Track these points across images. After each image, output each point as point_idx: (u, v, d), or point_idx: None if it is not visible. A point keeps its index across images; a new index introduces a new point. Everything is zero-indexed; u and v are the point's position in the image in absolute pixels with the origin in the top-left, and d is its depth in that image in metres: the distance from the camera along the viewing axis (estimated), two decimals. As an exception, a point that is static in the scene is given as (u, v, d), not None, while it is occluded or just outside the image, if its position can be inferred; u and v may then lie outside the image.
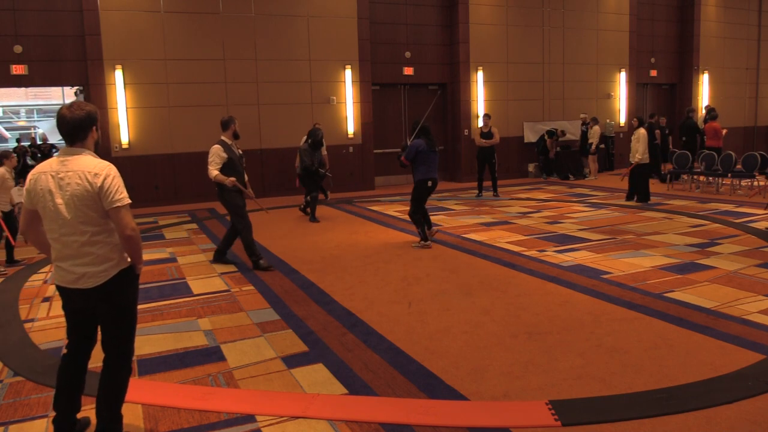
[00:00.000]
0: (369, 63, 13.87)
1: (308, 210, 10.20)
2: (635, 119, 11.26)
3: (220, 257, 7.09)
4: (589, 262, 6.64)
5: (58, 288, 3.00)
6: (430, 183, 7.60)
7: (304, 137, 10.35)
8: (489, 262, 6.84)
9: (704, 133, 13.76)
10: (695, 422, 3.18)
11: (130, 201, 2.91)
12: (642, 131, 10.86)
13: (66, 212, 2.85)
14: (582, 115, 15.52)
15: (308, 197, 10.00)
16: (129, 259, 3.00)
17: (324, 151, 10.57)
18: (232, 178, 6.43)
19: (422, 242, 7.67)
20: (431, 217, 9.89)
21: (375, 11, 14.10)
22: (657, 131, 13.88)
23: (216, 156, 6.41)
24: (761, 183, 11.92)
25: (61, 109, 2.95)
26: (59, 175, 2.86)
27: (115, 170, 2.90)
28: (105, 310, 2.98)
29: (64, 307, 3.07)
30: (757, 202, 10.59)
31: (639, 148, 10.77)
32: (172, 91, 12.27)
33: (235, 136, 6.66)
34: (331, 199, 12.60)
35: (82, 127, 2.91)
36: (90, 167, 2.85)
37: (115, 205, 2.83)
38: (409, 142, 7.78)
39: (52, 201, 2.86)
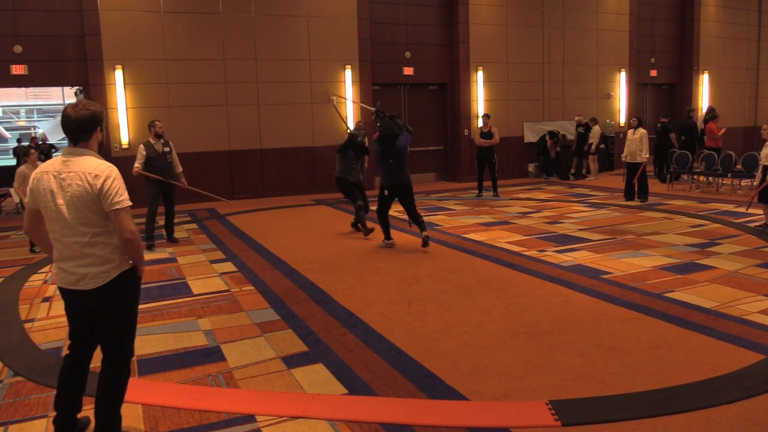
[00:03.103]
0: (369, 63, 13.87)
1: (360, 225, 8.65)
2: (634, 119, 11.26)
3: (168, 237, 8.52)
4: (589, 262, 6.64)
5: (61, 290, 2.97)
6: (386, 192, 7.51)
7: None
8: (489, 262, 6.84)
9: (704, 132, 13.82)
10: (695, 422, 3.18)
11: (130, 203, 2.87)
12: (643, 130, 10.88)
13: (67, 213, 2.82)
14: (577, 117, 15.49)
15: (357, 206, 8.55)
16: (131, 261, 2.98)
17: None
18: (136, 170, 7.91)
19: (385, 241, 7.76)
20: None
21: (375, 11, 14.10)
22: (672, 134, 13.82)
23: (138, 153, 7.97)
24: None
25: (66, 107, 2.91)
26: (61, 176, 2.83)
27: (116, 172, 2.87)
28: (106, 312, 2.95)
29: (66, 309, 3.04)
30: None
31: (644, 147, 10.78)
32: (172, 91, 12.27)
33: (158, 136, 8.02)
34: (331, 200, 12.61)
35: (86, 128, 2.88)
36: (91, 168, 2.82)
37: (114, 208, 2.80)
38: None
39: (53, 201, 2.84)
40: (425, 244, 7.42)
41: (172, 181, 8.11)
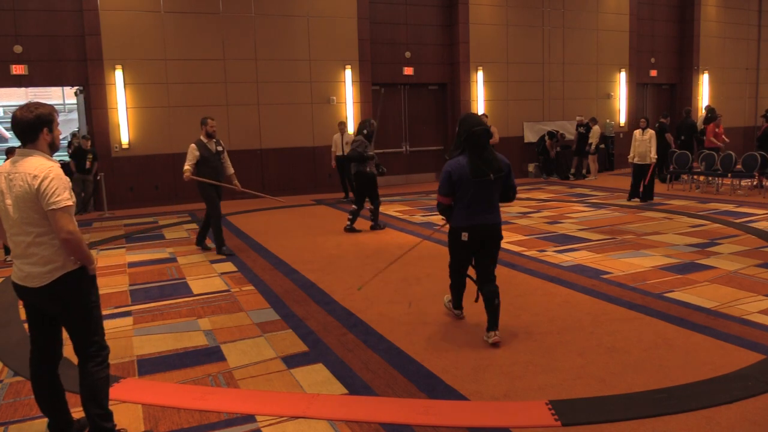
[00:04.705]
0: (369, 63, 13.87)
1: (355, 225, 8.93)
2: (643, 119, 11.10)
3: (199, 243, 7.96)
4: (589, 262, 6.64)
5: (12, 283, 3.02)
6: (465, 235, 4.34)
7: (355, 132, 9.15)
8: (489, 262, 6.83)
9: (705, 132, 13.84)
10: (695, 422, 3.18)
11: (69, 204, 2.85)
12: (652, 131, 10.79)
13: (13, 213, 2.88)
14: (578, 117, 15.49)
15: (354, 206, 8.73)
16: (78, 261, 2.96)
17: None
18: (186, 174, 7.22)
19: (454, 310, 5.01)
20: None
21: (375, 11, 14.10)
22: (668, 134, 13.80)
23: (190, 153, 7.28)
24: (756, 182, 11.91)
25: (16, 110, 2.97)
26: (9, 176, 2.88)
27: (56, 172, 2.86)
28: (57, 312, 2.99)
29: (24, 305, 3.09)
30: (759, 201, 10.60)
31: (652, 148, 10.71)
32: (172, 91, 12.27)
33: (209, 135, 7.38)
34: (331, 200, 12.61)
35: (31, 129, 2.90)
36: (32, 169, 2.84)
37: (50, 208, 2.80)
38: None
39: (2, 201, 2.90)
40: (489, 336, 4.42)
41: (226, 184, 7.50)
